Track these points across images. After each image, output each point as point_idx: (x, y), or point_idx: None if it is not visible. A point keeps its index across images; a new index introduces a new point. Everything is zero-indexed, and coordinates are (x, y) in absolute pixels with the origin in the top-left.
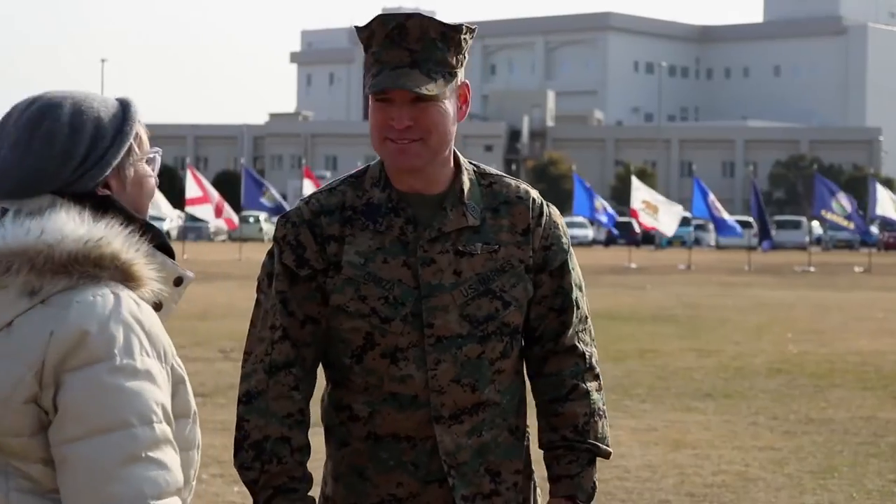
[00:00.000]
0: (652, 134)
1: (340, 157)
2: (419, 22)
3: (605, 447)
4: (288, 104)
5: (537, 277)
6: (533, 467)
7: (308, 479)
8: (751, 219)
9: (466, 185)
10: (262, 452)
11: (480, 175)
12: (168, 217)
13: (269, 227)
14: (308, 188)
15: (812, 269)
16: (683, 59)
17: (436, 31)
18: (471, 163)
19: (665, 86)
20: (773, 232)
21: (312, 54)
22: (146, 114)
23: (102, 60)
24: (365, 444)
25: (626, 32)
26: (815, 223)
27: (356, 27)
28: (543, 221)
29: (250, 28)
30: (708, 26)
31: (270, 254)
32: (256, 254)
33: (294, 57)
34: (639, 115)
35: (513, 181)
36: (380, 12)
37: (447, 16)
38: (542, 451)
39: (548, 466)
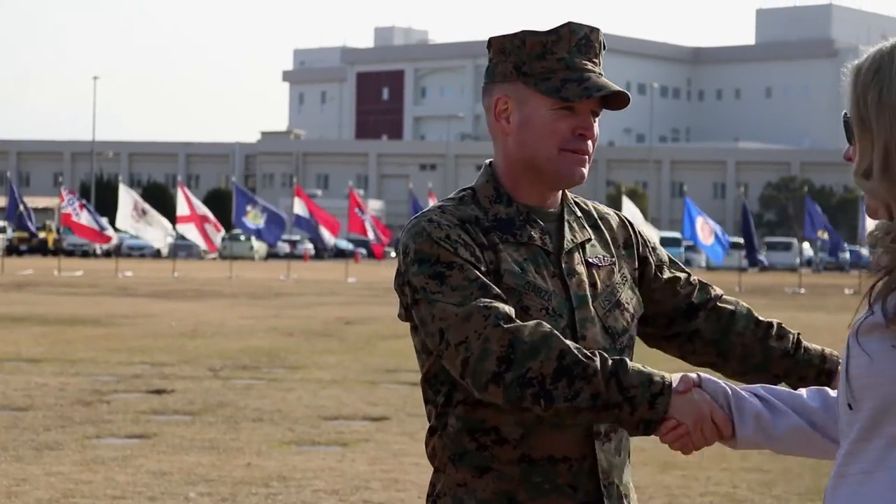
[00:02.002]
0: (643, 155)
1: (332, 175)
2: (598, 36)
3: None
4: (280, 123)
5: (665, 272)
6: None
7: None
8: (742, 240)
9: (571, 202)
10: (571, 370)
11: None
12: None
13: (259, 245)
14: (299, 207)
15: (802, 290)
16: (675, 81)
17: (603, 47)
18: None
19: (657, 107)
20: (764, 253)
21: (304, 73)
22: (138, 131)
23: (94, 78)
24: (517, 468)
25: (618, 53)
26: (806, 245)
27: (529, 32)
28: (637, 231)
29: (243, 46)
30: (700, 48)
31: (422, 260)
32: (247, 272)
33: (286, 75)
34: (630, 135)
35: (595, 202)
36: (569, 20)
37: (440, 35)
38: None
39: (819, 365)
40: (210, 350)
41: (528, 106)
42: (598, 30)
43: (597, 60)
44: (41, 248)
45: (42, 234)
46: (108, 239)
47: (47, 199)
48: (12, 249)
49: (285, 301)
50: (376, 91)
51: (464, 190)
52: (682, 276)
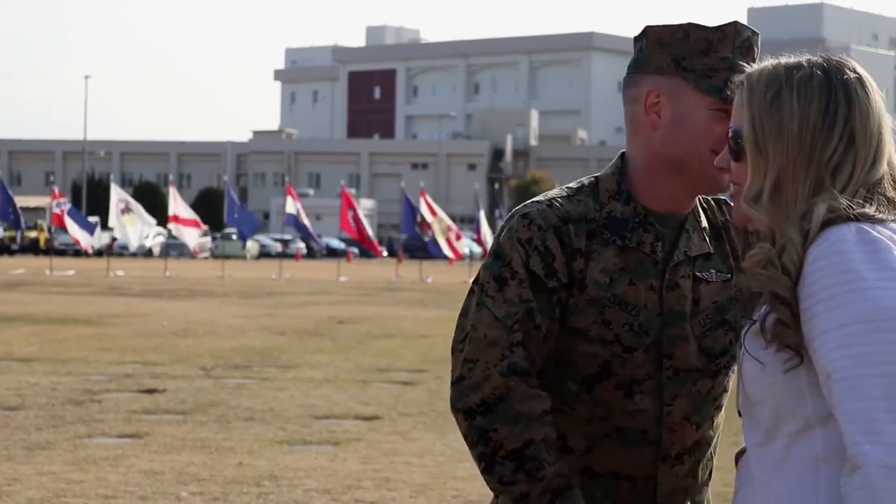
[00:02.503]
0: None
1: (324, 174)
2: (758, 41)
3: None
4: (271, 122)
5: None
6: None
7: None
8: None
9: (699, 210)
10: (525, 461)
11: (703, 200)
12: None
13: (251, 244)
14: (291, 206)
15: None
16: None
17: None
18: None
19: None
20: None
21: (296, 72)
22: (129, 130)
23: (86, 77)
24: (578, 480)
25: (609, 52)
26: None
27: (695, 25)
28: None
29: (234, 45)
30: None
31: (498, 255)
32: (238, 271)
33: (278, 74)
34: (622, 134)
35: (725, 203)
36: (734, 20)
37: (432, 34)
38: None
39: None
40: (202, 349)
41: (684, 102)
42: (758, 34)
43: (753, 66)
44: (33, 248)
45: (33, 234)
46: (88, 248)
47: (38, 199)
48: (3, 249)
49: (277, 300)
50: (368, 90)
51: (590, 178)
52: None
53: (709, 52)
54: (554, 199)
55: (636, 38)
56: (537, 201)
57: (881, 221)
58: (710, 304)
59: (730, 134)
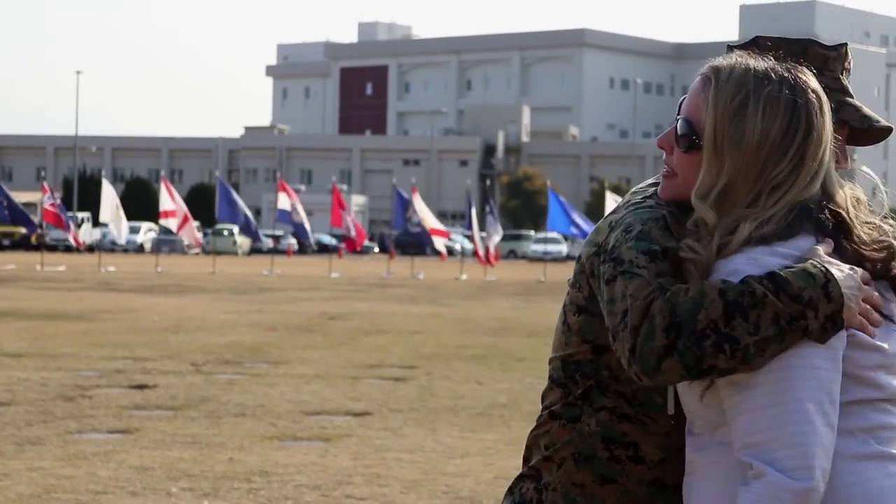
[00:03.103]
0: (627, 150)
1: (315, 170)
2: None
3: None
4: (263, 118)
5: None
6: None
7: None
8: None
9: None
10: (735, 306)
11: None
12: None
13: (242, 240)
14: (283, 202)
15: None
16: (658, 76)
17: None
18: None
19: (640, 102)
20: None
21: (288, 68)
22: (121, 126)
23: (77, 72)
24: (645, 490)
25: (601, 49)
26: None
27: (815, 41)
28: None
29: (226, 41)
30: (683, 44)
31: (644, 237)
32: (230, 267)
33: (270, 70)
34: (614, 131)
35: None
36: (845, 42)
37: (424, 31)
38: None
39: None
40: (192, 345)
41: None
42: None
43: (719, 59)
44: (23, 243)
45: (24, 229)
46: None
47: (30, 194)
48: None
49: (268, 296)
50: (360, 86)
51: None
52: None
53: (823, 70)
54: (651, 190)
55: (741, 46)
56: (650, 191)
57: (786, 237)
58: None
59: (680, 124)
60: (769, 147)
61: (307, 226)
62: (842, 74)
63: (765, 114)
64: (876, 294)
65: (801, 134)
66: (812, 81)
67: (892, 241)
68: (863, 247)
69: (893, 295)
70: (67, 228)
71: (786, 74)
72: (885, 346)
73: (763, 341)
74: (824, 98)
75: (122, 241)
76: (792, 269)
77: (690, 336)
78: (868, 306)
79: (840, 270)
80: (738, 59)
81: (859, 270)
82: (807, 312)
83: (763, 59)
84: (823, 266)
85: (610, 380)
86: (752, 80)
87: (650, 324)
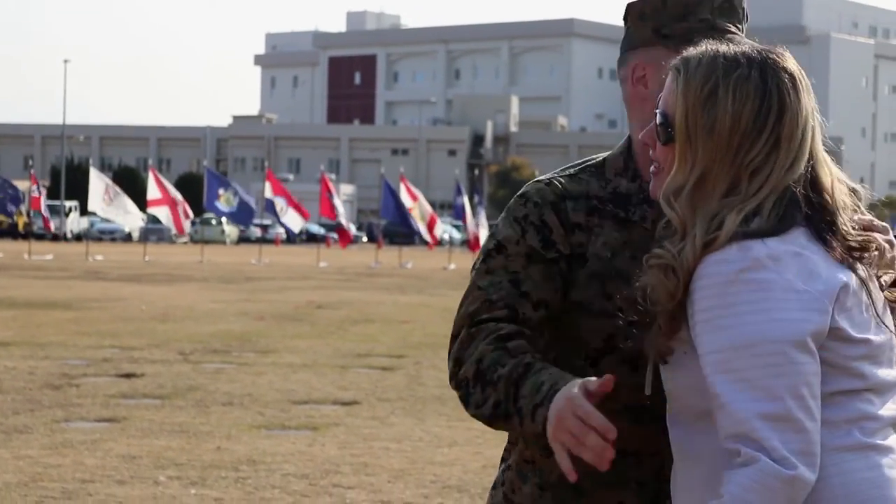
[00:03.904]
0: (615, 140)
1: (304, 159)
2: (742, 1)
3: None
4: (251, 107)
5: None
6: None
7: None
8: None
9: None
10: (481, 375)
11: None
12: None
13: (230, 229)
14: (270, 191)
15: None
16: None
17: (747, 17)
18: None
19: None
20: None
21: (276, 57)
22: (109, 115)
23: (65, 61)
24: None
25: (590, 39)
26: None
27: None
28: None
29: (214, 30)
30: None
31: (492, 234)
32: (218, 256)
33: (258, 59)
34: (602, 121)
35: None
36: None
37: (412, 20)
38: None
39: None
40: (180, 334)
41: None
42: None
43: (740, 27)
44: (11, 232)
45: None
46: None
47: (17, 183)
48: None
49: (256, 285)
50: (348, 75)
51: (595, 157)
52: None
53: (687, 16)
54: (554, 178)
55: (623, 19)
56: (537, 180)
57: (779, 232)
58: None
59: (658, 118)
60: (742, 131)
61: (286, 219)
62: (712, 15)
63: (734, 98)
64: (594, 416)
65: (773, 115)
66: (787, 62)
67: (875, 233)
68: (847, 237)
69: (877, 285)
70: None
71: (757, 57)
72: (872, 337)
73: (485, 418)
74: (800, 77)
75: (135, 224)
76: (545, 375)
77: (456, 379)
78: (579, 431)
79: (566, 392)
80: (708, 47)
81: (592, 384)
82: (514, 418)
83: (734, 45)
84: (555, 389)
85: (556, 357)
86: (720, 66)
87: (452, 344)
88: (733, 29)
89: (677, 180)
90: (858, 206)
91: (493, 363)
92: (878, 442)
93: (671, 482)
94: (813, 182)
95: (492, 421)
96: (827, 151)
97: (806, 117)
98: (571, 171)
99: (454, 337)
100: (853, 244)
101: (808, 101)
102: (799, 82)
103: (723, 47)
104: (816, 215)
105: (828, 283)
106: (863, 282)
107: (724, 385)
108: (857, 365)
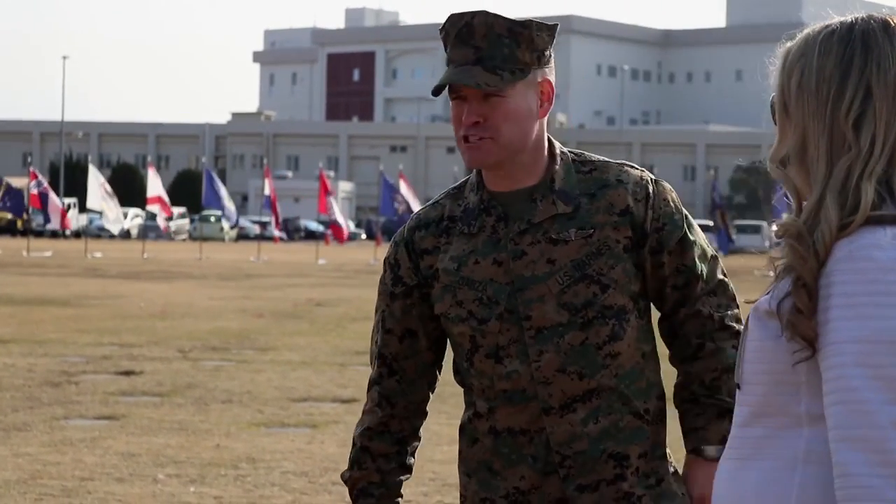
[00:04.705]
0: (614, 137)
1: (302, 157)
2: (484, 19)
3: (732, 401)
4: (250, 104)
5: (656, 258)
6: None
7: (389, 486)
8: (711, 223)
9: (560, 175)
10: (351, 458)
11: (580, 163)
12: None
13: (228, 226)
14: (268, 188)
15: (771, 273)
16: (646, 63)
17: (502, 27)
18: (572, 152)
19: (627, 89)
20: (734, 236)
21: (275, 54)
22: (108, 111)
23: (64, 57)
24: (489, 440)
25: (588, 36)
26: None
27: (440, 30)
28: (651, 202)
29: (213, 27)
30: (670, 30)
31: (382, 272)
32: (216, 253)
33: (257, 56)
34: (601, 118)
35: (616, 165)
36: (450, 13)
37: (411, 17)
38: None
39: (680, 422)
40: (179, 331)
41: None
42: (481, 13)
43: (482, 44)
44: (10, 229)
45: (9, 215)
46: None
47: (16, 180)
48: None
49: (255, 282)
50: (347, 72)
51: (467, 178)
52: (681, 279)
53: (447, 48)
54: (420, 210)
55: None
56: (411, 216)
57: None
58: (567, 262)
59: (770, 104)
60: (828, 81)
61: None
62: (451, 47)
63: (820, 53)
64: None
65: (858, 58)
66: (886, 15)
67: None
68: None
69: None
70: (47, 218)
71: (851, 19)
72: None
73: (343, 476)
74: (890, 23)
75: (115, 230)
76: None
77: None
78: None
79: None
80: (801, 33)
81: None
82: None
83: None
84: None
85: (455, 361)
86: (811, 34)
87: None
88: (466, 53)
89: (778, 151)
90: None
91: (356, 459)
92: None
93: (726, 481)
94: None
95: (342, 479)
96: None
97: None
98: (439, 197)
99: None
100: None
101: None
102: (889, 29)
103: (818, 26)
104: None
105: None
106: None
107: (860, 379)
108: None
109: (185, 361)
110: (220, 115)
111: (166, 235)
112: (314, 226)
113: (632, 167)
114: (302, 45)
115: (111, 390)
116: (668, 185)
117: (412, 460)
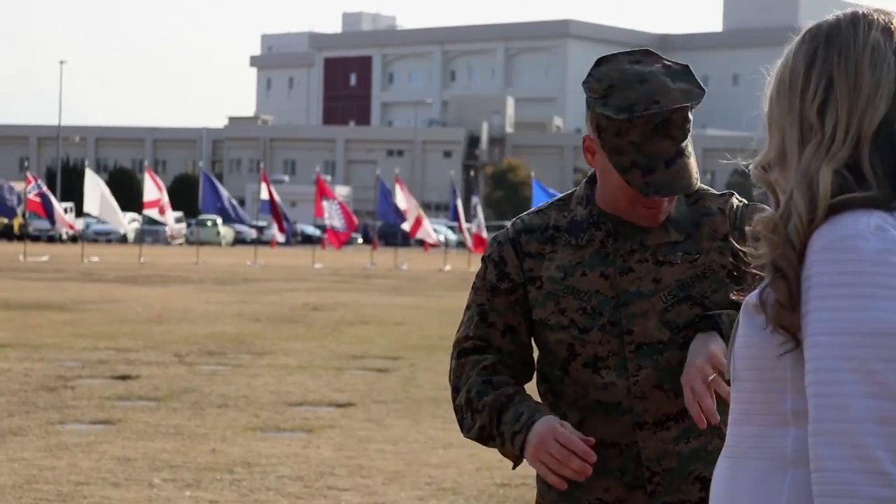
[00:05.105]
0: None
1: (299, 161)
2: (685, 112)
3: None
4: (247, 108)
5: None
6: None
7: (523, 394)
8: None
9: (672, 204)
10: (470, 403)
11: (686, 195)
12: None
13: (225, 230)
14: (265, 193)
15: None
16: None
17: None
18: None
19: None
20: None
21: (272, 58)
22: (105, 116)
23: (61, 62)
24: None
25: (585, 40)
26: None
27: (605, 117)
28: (739, 231)
29: (210, 31)
30: (667, 35)
31: (480, 266)
32: (213, 257)
33: (254, 61)
34: None
35: (718, 195)
36: (644, 105)
37: (408, 21)
38: None
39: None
40: (176, 336)
41: (605, 163)
42: (685, 107)
43: (678, 135)
44: (7, 233)
45: (5, 220)
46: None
47: (13, 184)
48: None
49: (252, 287)
50: (344, 77)
51: (572, 191)
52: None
53: (620, 134)
54: (523, 215)
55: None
56: (513, 220)
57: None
58: (672, 282)
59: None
60: (796, 73)
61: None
62: (643, 138)
63: (793, 56)
64: (575, 443)
65: (822, 49)
66: (845, 12)
67: None
68: None
69: None
70: (52, 220)
71: (820, 20)
72: None
73: (475, 439)
74: (870, 13)
75: (121, 229)
76: (526, 405)
77: (454, 407)
78: (562, 455)
79: (547, 422)
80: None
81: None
82: (497, 440)
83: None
84: (532, 420)
85: (544, 368)
86: (791, 46)
87: (450, 374)
88: (666, 145)
89: (765, 155)
90: None
91: (479, 393)
92: None
93: (722, 481)
94: None
95: (479, 442)
96: None
97: (870, 52)
98: (543, 206)
99: (452, 358)
100: None
101: (876, 38)
102: (862, 19)
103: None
104: None
105: None
106: None
107: (838, 373)
108: None
109: (181, 366)
110: (217, 120)
111: (164, 239)
112: (311, 230)
113: (732, 195)
114: (299, 50)
115: (107, 395)
116: (758, 210)
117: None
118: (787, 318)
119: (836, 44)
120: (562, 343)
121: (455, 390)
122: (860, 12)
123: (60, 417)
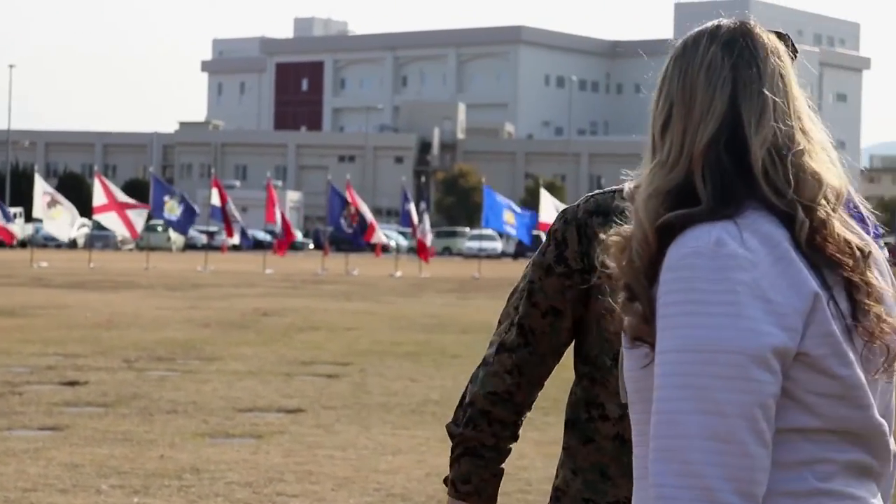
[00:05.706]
0: (562, 148)
1: (250, 166)
2: None
3: None
4: (198, 113)
5: None
6: None
7: (500, 451)
8: None
9: None
10: (467, 416)
11: None
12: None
13: (176, 236)
14: (215, 198)
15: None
16: (594, 74)
17: None
18: None
19: (575, 100)
20: None
21: (223, 63)
22: (54, 120)
23: (10, 66)
24: (612, 444)
25: (537, 46)
26: None
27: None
28: None
29: (162, 36)
30: (618, 41)
31: (542, 243)
32: (163, 263)
33: (205, 65)
34: (549, 128)
35: None
36: None
37: (360, 27)
38: None
39: None
40: (125, 341)
41: None
42: None
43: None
44: None
45: None
46: (11, 237)
47: None
48: None
49: (202, 292)
50: (295, 82)
51: None
52: None
53: None
54: (597, 193)
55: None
56: (585, 196)
57: (730, 216)
58: None
59: None
60: (651, 91)
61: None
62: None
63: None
64: None
65: (667, 66)
66: (709, 26)
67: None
68: (829, 237)
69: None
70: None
71: None
72: (847, 373)
73: (454, 440)
74: (716, 32)
75: (69, 236)
76: (482, 465)
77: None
78: None
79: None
80: None
81: None
82: (451, 467)
83: None
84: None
85: (591, 353)
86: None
87: (491, 344)
88: None
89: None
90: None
91: (472, 418)
92: (835, 487)
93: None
94: (775, 155)
95: (448, 432)
96: None
97: (707, 68)
98: (612, 189)
99: (490, 344)
100: (839, 248)
101: (714, 53)
102: (711, 33)
103: None
104: (781, 200)
105: (802, 298)
106: (835, 301)
107: (670, 389)
108: (819, 401)
109: (130, 371)
110: (167, 125)
111: (113, 245)
112: (261, 235)
113: None
114: (250, 55)
115: (55, 401)
116: None
117: (520, 430)
118: (644, 330)
119: (679, 63)
120: (618, 334)
121: (471, 381)
122: (708, 31)
123: (8, 424)
